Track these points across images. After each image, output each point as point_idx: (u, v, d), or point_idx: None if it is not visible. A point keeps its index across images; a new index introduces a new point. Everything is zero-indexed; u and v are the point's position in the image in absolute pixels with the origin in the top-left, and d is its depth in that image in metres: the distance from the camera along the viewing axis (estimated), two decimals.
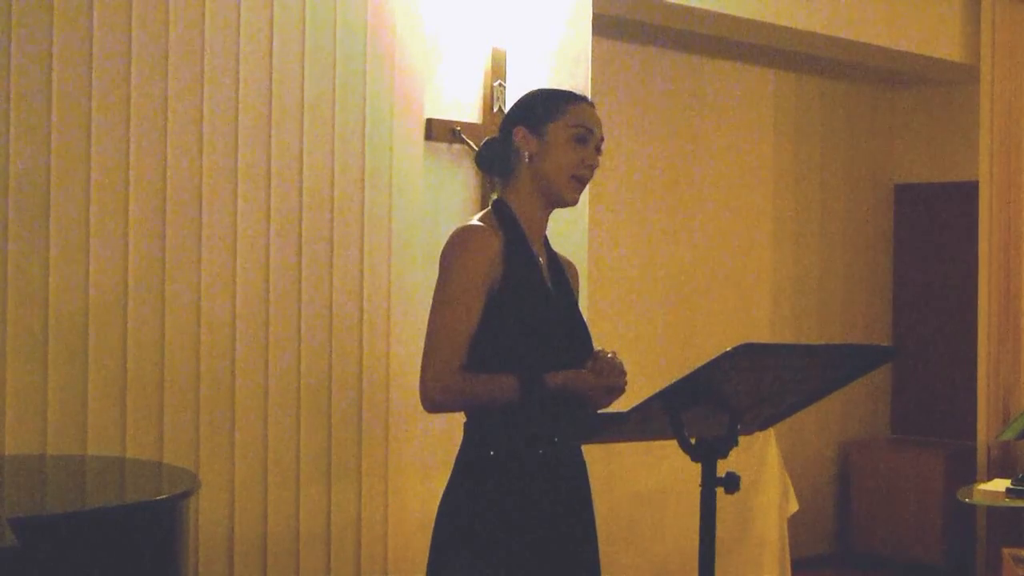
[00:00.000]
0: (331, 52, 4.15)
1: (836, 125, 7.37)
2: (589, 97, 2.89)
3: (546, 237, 2.88)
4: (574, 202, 2.82)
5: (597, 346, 2.83)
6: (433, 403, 2.70)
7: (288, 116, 4.06)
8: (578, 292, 2.95)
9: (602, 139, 2.84)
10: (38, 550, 2.51)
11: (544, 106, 2.81)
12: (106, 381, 3.72)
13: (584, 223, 4.78)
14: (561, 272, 2.88)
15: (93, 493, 3.28)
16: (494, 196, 4.47)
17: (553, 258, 2.89)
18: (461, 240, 2.73)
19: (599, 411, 2.76)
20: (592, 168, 2.80)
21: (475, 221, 2.79)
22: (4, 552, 2.17)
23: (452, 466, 2.79)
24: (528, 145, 2.79)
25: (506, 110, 4.54)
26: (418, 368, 2.71)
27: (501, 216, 2.79)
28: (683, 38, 6.06)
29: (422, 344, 2.73)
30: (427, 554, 2.78)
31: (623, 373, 2.71)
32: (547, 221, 2.86)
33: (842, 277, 7.41)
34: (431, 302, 2.74)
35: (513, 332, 2.69)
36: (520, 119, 2.82)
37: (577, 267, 3.02)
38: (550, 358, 2.70)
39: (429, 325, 2.71)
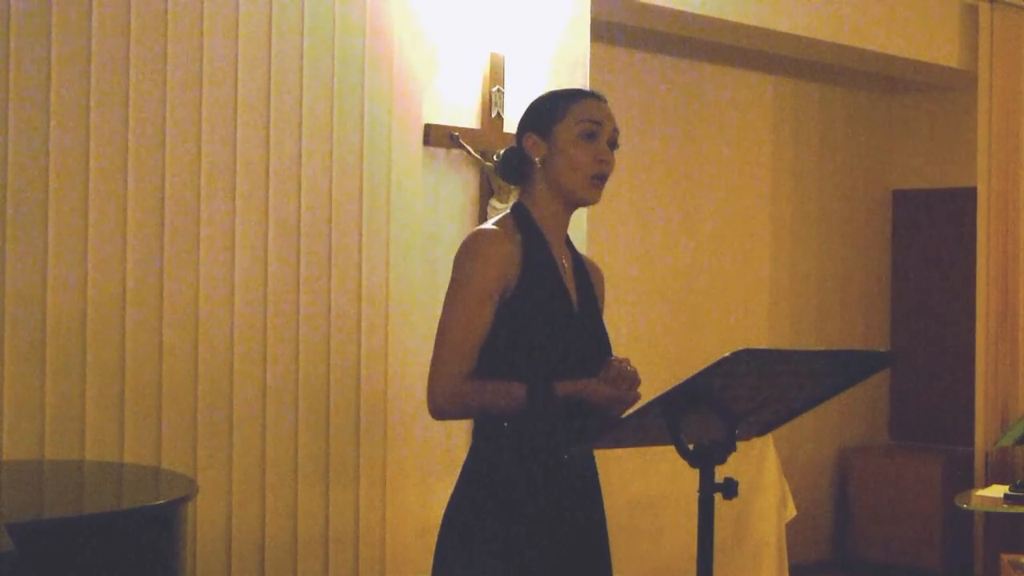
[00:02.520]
0: (330, 57, 4.15)
1: (834, 130, 7.38)
2: (596, 92, 2.83)
3: (569, 239, 2.84)
4: (595, 200, 2.77)
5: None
6: (440, 410, 2.68)
7: (287, 121, 4.06)
8: (603, 297, 2.90)
9: (616, 131, 2.77)
10: (36, 555, 2.51)
11: (548, 108, 2.77)
12: (104, 385, 3.72)
13: (583, 227, 4.78)
14: (586, 276, 2.84)
15: (91, 498, 3.28)
16: (494, 201, 4.51)
17: (578, 261, 2.84)
18: (473, 244, 2.69)
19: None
20: (607, 163, 2.73)
21: (491, 224, 2.75)
22: (3, 557, 2.17)
23: (454, 470, 2.77)
24: (538, 150, 2.75)
25: (504, 115, 4.59)
26: (417, 372, 2.70)
27: (520, 219, 2.75)
28: (681, 44, 6.06)
29: (420, 348, 2.72)
30: (426, 558, 2.77)
31: (636, 384, 2.66)
32: (568, 223, 2.81)
33: (840, 282, 7.41)
34: (442, 306, 2.70)
35: (527, 337, 2.66)
36: (528, 125, 2.79)
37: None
38: (564, 364, 2.66)
39: (438, 330, 2.68)
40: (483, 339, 2.65)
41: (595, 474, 2.82)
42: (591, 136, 2.73)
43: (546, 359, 2.66)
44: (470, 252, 2.69)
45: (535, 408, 2.61)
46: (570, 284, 2.77)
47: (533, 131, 2.77)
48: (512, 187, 3.06)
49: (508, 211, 2.80)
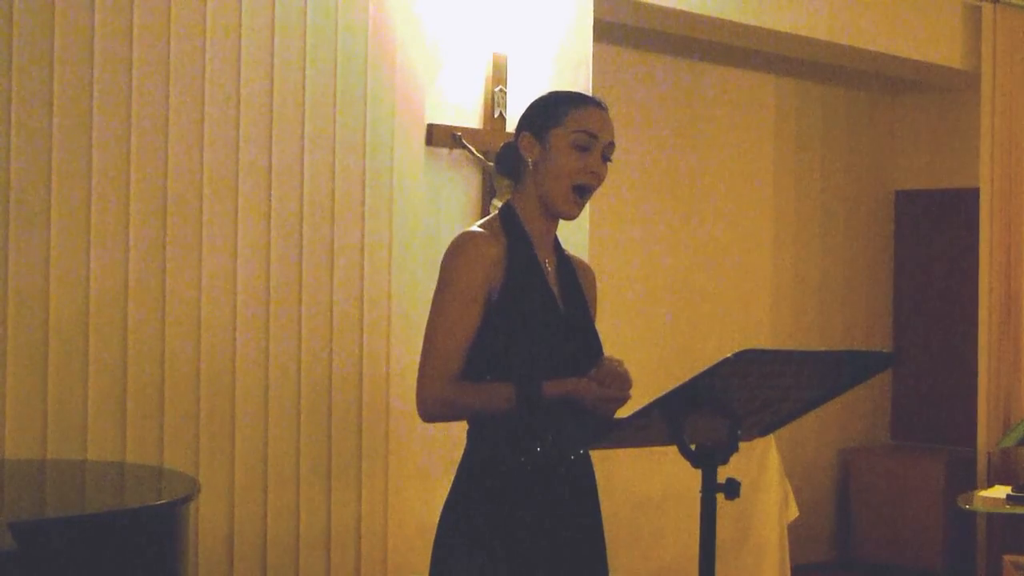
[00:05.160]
0: (332, 57, 4.16)
1: (837, 131, 7.38)
2: (598, 100, 2.80)
3: (558, 241, 2.83)
4: (572, 216, 2.75)
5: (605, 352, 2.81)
6: (428, 413, 2.68)
7: (289, 120, 4.07)
8: (595, 297, 2.89)
9: (611, 144, 2.74)
10: (38, 554, 2.51)
11: (547, 111, 2.75)
12: (106, 385, 3.72)
13: (585, 228, 4.78)
14: (572, 277, 2.83)
15: (93, 497, 3.28)
16: (496, 202, 4.51)
17: (565, 263, 2.83)
18: (459, 247, 2.70)
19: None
20: (596, 176, 2.72)
21: (477, 227, 2.76)
22: (4, 556, 2.18)
23: (453, 471, 2.78)
24: (531, 151, 2.74)
25: (507, 116, 4.59)
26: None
27: (506, 221, 2.75)
28: (684, 44, 6.06)
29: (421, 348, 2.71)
30: (427, 558, 2.78)
31: (628, 384, 2.65)
32: (556, 226, 2.80)
33: (842, 283, 7.41)
34: (430, 309, 2.71)
35: (513, 340, 2.66)
36: (526, 124, 2.77)
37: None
38: (552, 366, 2.67)
39: (426, 333, 2.69)
40: (470, 341, 2.65)
41: (591, 473, 2.82)
42: (585, 147, 2.71)
43: (532, 360, 2.66)
44: (456, 255, 2.69)
45: (523, 408, 2.61)
46: (554, 286, 2.76)
47: (529, 131, 2.76)
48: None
49: (496, 212, 2.80)
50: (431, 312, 2.70)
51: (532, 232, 2.76)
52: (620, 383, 2.65)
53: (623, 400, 2.67)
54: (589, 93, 4.76)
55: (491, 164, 4.46)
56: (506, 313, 2.66)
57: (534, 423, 2.65)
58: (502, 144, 2.89)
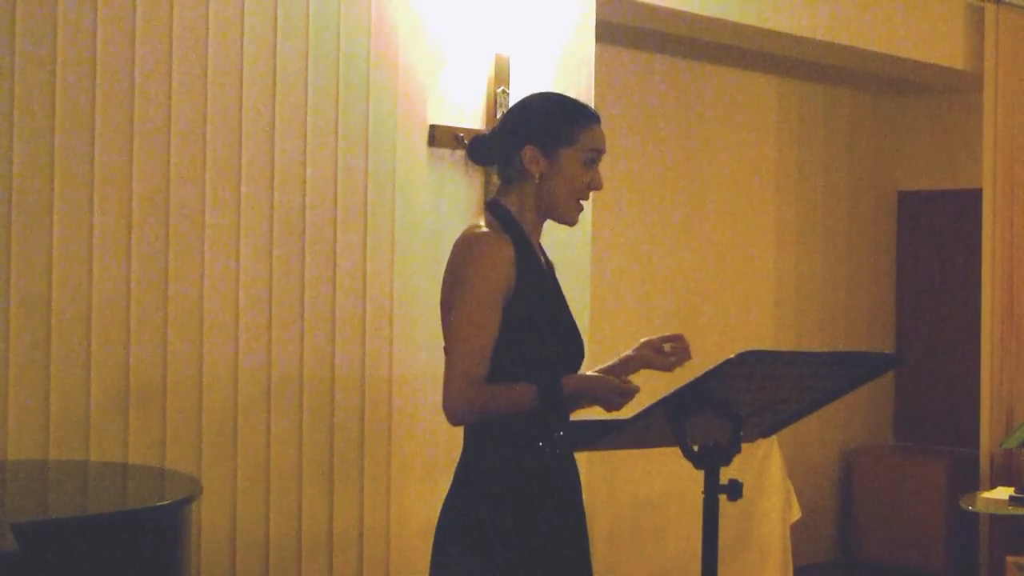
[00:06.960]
0: (335, 58, 4.16)
1: (839, 132, 7.38)
2: (595, 110, 2.85)
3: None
4: (574, 223, 2.83)
5: (593, 346, 2.83)
6: (458, 417, 2.67)
7: (292, 121, 4.07)
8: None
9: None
10: (40, 555, 2.51)
11: (558, 130, 2.76)
12: (108, 386, 3.72)
13: (587, 229, 4.77)
14: (553, 269, 2.89)
15: (95, 498, 3.29)
16: None
17: (547, 256, 2.89)
18: (475, 248, 2.69)
19: (600, 417, 2.75)
20: (598, 189, 2.81)
21: (484, 228, 2.75)
22: (6, 556, 2.18)
23: (454, 471, 2.79)
24: (537, 166, 2.75)
25: None
26: (420, 372, 2.70)
27: (504, 221, 2.76)
28: (686, 45, 6.06)
29: (424, 349, 2.71)
30: (429, 558, 2.78)
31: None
32: (543, 225, 2.85)
33: (845, 284, 7.41)
34: (452, 313, 2.68)
35: (532, 338, 2.68)
36: (531, 137, 2.76)
37: (576, 270, 3.01)
38: (561, 360, 2.71)
39: (451, 337, 2.67)
40: (494, 342, 2.65)
41: (576, 470, 2.84)
42: (592, 163, 2.79)
43: (548, 357, 2.68)
44: (473, 257, 2.68)
45: (546, 406, 2.61)
46: (554, 284, 2.82)
47: (536, 146, 2.76)
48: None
49: (487, 211, 2.80)
50: (454, 316, 2.67)
51: (528, 230, 2.78)
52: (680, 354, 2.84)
53: (631, 395, 2.67)
54: (591, 93, 4.79)
55: (493, 165, 4.46)
56: (522, 313, 2.67)
57: (542, 422, 2.65)
58: (478, 135, 2.92)
